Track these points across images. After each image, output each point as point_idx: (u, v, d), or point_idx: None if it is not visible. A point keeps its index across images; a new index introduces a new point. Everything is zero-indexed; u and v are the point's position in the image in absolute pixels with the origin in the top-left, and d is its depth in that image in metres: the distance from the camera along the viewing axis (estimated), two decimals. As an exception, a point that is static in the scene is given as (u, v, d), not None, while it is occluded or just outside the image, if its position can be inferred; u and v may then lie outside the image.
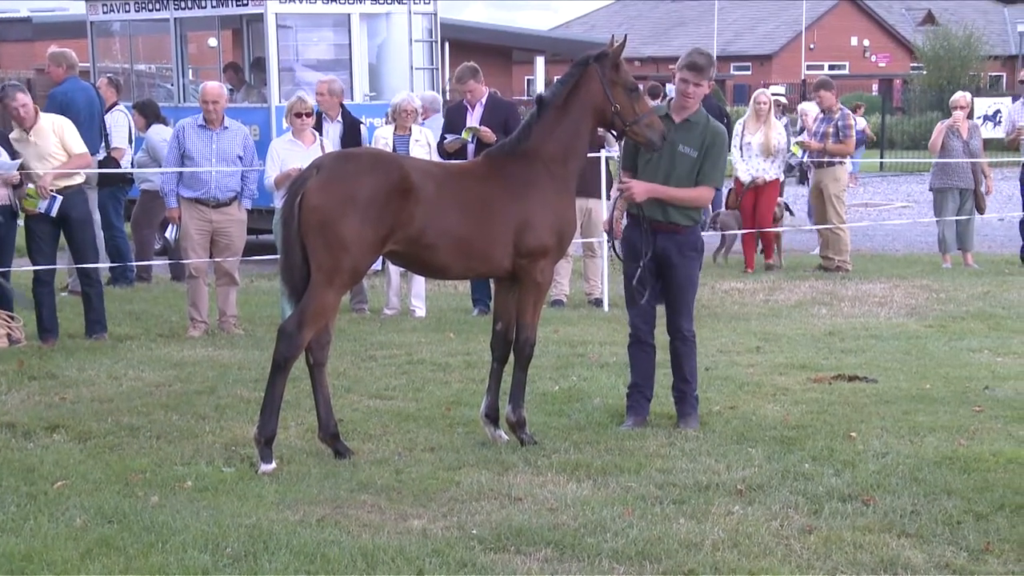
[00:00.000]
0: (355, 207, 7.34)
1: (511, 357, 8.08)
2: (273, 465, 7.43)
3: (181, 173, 12.00)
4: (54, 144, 11.36)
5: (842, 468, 7.38)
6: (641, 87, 8.25)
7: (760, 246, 16.25)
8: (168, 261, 15.31)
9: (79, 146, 11.53)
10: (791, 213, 16.67)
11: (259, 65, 18.34)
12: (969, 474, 7.25)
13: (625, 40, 8.11)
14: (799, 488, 7.03)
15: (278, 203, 12.08)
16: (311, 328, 7.46)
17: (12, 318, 11.47)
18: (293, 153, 11.89)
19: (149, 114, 15.42)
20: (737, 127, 16.00)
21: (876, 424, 8.41)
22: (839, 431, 8.22)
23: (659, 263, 8.33)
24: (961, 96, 17.05)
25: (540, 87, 33.83)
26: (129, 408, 8.95)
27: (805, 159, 16.09)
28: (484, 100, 12.92)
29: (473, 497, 6.92)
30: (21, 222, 11.74)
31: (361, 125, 13.72)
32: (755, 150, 15.60)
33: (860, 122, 27.85)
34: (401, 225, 7.46)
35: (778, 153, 15.76)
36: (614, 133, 8.11)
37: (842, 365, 10.35)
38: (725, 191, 16.37)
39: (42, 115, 11.53)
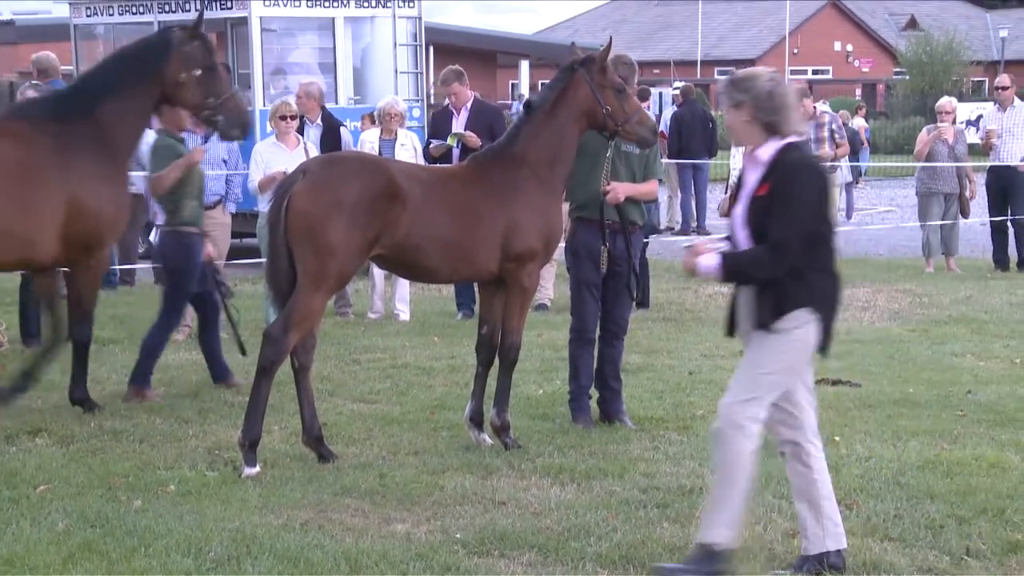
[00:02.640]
0: (341, 211, 7.34)
1: (496, 361, 8.09)
2: (257, 469, 7.42)
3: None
4: None
5: (825, 472, 7.39)
6: (628, 87, 8.32)
7: None
8: (152, 265, 15.25)
9: None
10: None
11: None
12: (952, 478, 7.27)
13: (611, 43, 8.17)
14: (782, 492, 7.02)
15: (262, 207, 12.07)
16: (297, 332, 7.46)
17: (-6, 322, 11.44)
18: (277, 156, 11.87)
19: None
20: None
21: (859, 428, 8.43)
22: (822, 435, 8.20)
23: (613, 261, 8.48)
24: (947, 102, 17.02)
25: (525, 91, 33.88)
26: (112, 412, 8.92)
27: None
28: (469, 104, 12.91)
29: (457, 501, 6.91)
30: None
31: (342, 127, 13.70)
32: None
33: (859, 121, 27.85)
34: (388, 229, 7.47)
35: None
36: (606, 134, 8.15)
37: (825, 369, 10.29)
38: (719, 198, 16.12)
39: None
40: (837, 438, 8.13)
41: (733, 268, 5.70)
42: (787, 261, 5.57)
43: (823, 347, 5.75)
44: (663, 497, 6.96)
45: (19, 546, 6.16)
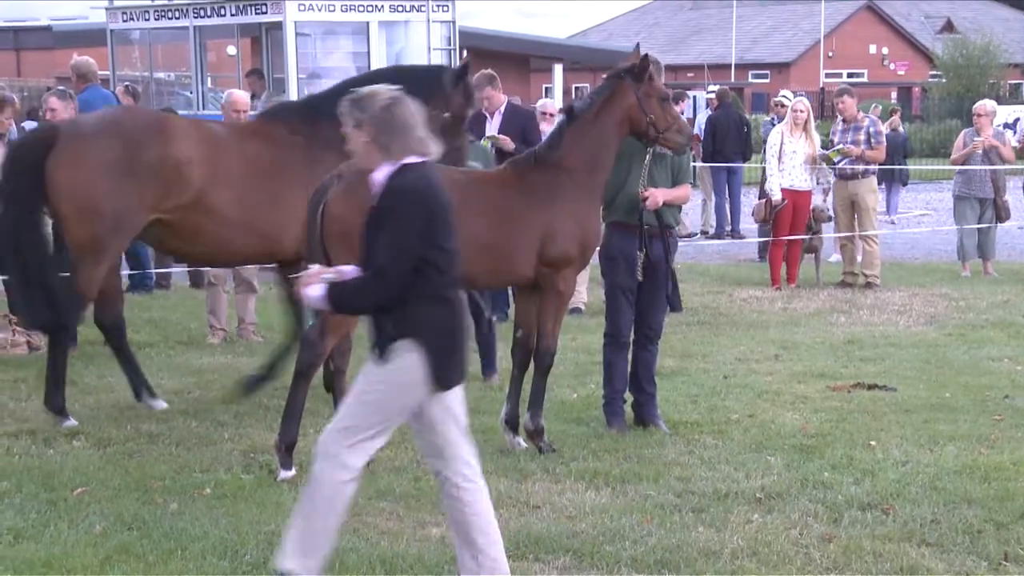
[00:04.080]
0: None
1: (531, 365, 8.10)
2: (292, 472, 7.44)
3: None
4: None
5: (861, 477, 7.37)
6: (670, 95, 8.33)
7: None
8: (187, 268, 15.33)
9: None
10: (831, 218, 15.87)
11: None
12: (989, 483, 7.23)
13: (647, 57, 8.11)
14: (818, 497, 7.02)
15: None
16: (333, 336, 7.48)
17: (32, 325, 11.52)
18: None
19: None
20: (774, 136, 15.46)
21: (896, 433, 8.39)
22: (858, 440, 8.20)
23: (650, 266, 8.48)
24: (980, 105, 16.91)
25: (558, 95, 33.85)
26: (148, 415, 8.97)
27: (843, 165, 15.48)
28: (503, 108, 12.90)
29: (492, 505, 6.90)
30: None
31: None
32: (800, 159, 15.04)
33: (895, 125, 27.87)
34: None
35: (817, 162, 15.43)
36: (644, 141, 8.17)
37: (861, 373, 10.33)
38: (753, 204, 15.93)
39: None
40: (873, 443, 8.11)
41: (337, 299, 5.44)
42: (390, 289, 5.31)
43: (441, 381, 5.40)
44: (698, 501, 6.95)
45: (57, 548, 6.21)
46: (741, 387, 9.80)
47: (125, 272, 13.34)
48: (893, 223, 24.60)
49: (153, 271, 14.92)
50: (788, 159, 15.10)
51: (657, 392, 8.76)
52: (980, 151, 16.20)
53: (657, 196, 8.32)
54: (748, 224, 19.76)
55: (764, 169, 18.71)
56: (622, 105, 8.00)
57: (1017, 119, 25.34)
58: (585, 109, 8.03)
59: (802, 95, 18.39)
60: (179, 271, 15.63)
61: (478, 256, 7.70)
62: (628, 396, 8.72)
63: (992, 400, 9.40)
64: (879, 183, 23.41)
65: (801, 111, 15.35)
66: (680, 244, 10.23)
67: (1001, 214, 16.45)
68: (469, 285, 8.67)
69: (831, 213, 15.76)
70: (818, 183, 15.67)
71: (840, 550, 6.22)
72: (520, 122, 12.94)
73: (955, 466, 7.55)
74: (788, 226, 15.18)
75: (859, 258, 15.62)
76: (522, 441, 8.08)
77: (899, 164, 25.38)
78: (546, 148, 8.03)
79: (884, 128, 25.64)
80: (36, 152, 8.64)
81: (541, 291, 7.94)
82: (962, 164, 16.42)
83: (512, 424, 8.11)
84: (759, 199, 16.22)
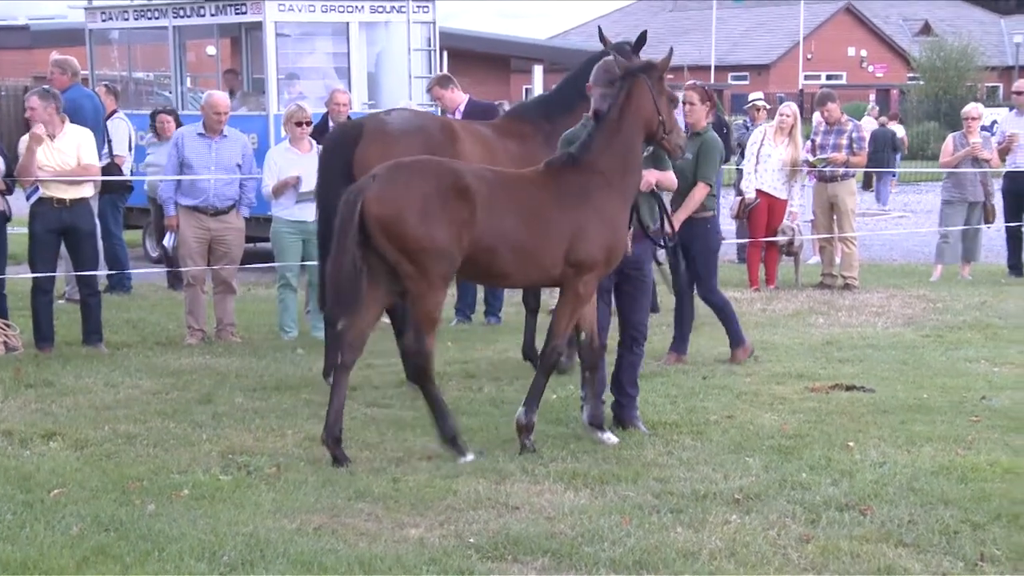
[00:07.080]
0: (418, 210, 7.46)
1: (548, 362, 8.13)
2: (471, 456, 7.73)
3: (180, 181, 11.99)
4: (73, 155, 11.30)
5: (839, 478, 7.39)
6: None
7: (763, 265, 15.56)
8: (166, 269, 15.29)
9: (90, 158, 11.47)
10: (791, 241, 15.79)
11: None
12: (966, 484, 7.26)
13: (671, 53, 8.25)
14: (796, 497, 7.03)
15: (276, 211, 12.08)
16: (429, 333, 7.64)
17: (8, 326, 11.47)
18: (290, 162, 11.89)
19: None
20: (756, 135, 15.50)
21: (873, 434, 8.41)
22: (836, 441, 8.22)
23: (628, 266, 8.49)
24: (973, 107, 16.89)
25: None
26: (126, 416, 8.94)
27: (828, 170, 15.43)
28: (463, 107, 12.73)
29: (470, 506, 6.91)
30: (16, 229, 11.73)
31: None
32: (775, 164, 15.09)
33: (870, 122, 28.32)
34: (465, 224, 7.53)
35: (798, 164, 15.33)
36: (647, 142, 8.17)
37: (839, 375, 10.35)
38: (735, 202, 15.91)
39: (68, 125, 11.44)
40: (851, 443, 8.13)
41: None
42: None
43: None
44: (677, 502, 6.96)
45: (33, 550, 6.18)
46: (720, 388, 9.81)
47: (103, 272, 13.31)
48: (886, 210, 24.88)
49: (131, 271, 14.87)
50: (763, 162, 15.12)
51: (638, 395, 8.78)
52: (978, 153, 16.18)
53: (649, 176, 8.33)
54: (727, 224, 19.77)
55: (733, 170, 18.83)
56: (640, 104, 7.94)
57: (994, 122, 25.43)
58: (610, 111, 7.98)
59: (785, 98, 18.45)
60: (158, 272, 15.60)
61: (513, 253, 7.75)
62: (608, 397, 8.72)
63: (969, 401, 9.44)
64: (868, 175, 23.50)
65: (787, 116, 15.31)
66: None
67: (990, 216, 16.47)
68: (503, 283, 8.75)
69: (796, 227, 15.54)
70: (790, 196, 15.45)
71: (818, 551, 6.24)
72: (480, 116, 12.82)
73: (932, 467, 7.58)
74: (764, 227, 15.21)
75: (838, 260, 15.65)
76: (612, 436, 8.19)
77: (888, 157, 25.68)
78: (581, 150, 8.02)
79: (873, 124, 26.08)
80: (346, 147, 9.63)
81: (561, 292, 7.98)
82: (952, 167, 16.41)
83: (596, 424, 8.23)
84: (737, 196, 16.11)
